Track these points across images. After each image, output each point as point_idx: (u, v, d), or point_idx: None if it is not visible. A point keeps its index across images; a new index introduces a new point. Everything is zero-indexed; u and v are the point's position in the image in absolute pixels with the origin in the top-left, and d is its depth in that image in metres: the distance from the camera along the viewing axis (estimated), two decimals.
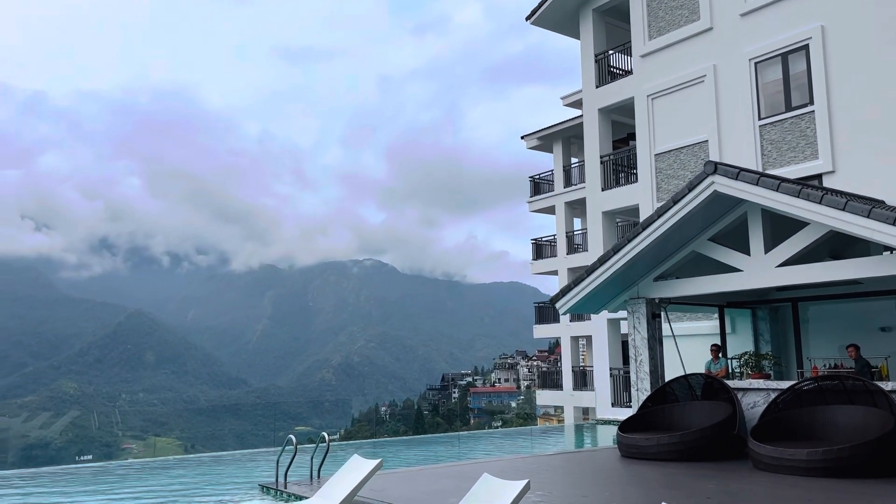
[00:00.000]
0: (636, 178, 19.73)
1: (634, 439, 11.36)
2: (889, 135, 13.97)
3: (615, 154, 21.55)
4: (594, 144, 21.47)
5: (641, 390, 12.83)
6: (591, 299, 13.36)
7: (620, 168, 21.51)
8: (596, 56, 21.58)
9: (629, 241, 12.30)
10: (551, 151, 33.77)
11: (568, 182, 32.64)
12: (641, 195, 18.96)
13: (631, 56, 20.03)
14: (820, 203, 9.87)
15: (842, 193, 10.99)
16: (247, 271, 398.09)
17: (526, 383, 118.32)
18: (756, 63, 16.40)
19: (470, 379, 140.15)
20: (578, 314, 25.53)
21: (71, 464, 14.27)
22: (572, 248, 32.45)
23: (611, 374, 21.70)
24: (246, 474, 12.42)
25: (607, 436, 17.08)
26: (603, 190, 21.27)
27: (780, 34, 15.93)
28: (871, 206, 9.40)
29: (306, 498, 8.23)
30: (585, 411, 29.22)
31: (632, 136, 21.48)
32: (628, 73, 20.73)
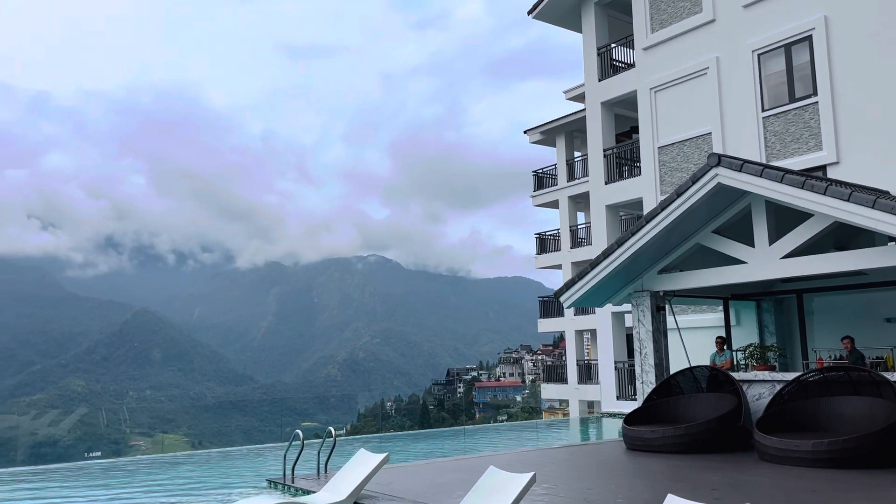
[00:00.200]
0: (639, 172, 19.71)
1: (640, 432, 11.38)
2: (894, 125, 13.91)
3: (618, 147, 21.52)
4: (597, 138, 21.44)
5: (646, 383, 12.85)
6: (596, 293, 13.37)
7: (624, 161, 21.49)
8: (598, 49, 21.54)
9: (633, 234, 12.29)
10: (554, 146, 33.69)
11: (571, 176, 32.57)
12: (645, 188, 18.94)
13: (633, 49, 19.98)
14: (824, 194, 9.85)
15: (846, 184, 10.98)
16: (252, 268, 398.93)
17: (531, 377, 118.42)
18: (759, 54, 16.34)
19: (475, 373, 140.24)
20: (583, 308, 25.55)
21: (80, 461, 14.38)
22: (576, 242, 32.40)
23: (616, 367, 21.73)
24: (253, 469, 12.51)
25: (612, 429, 17.10)
26: (606, 183, 21.25)
27: (783, 25, 15.87)
28: (875, 197, 9.39)
29: (314, 492, 8.29)
30: (590, 405, 29.24)
31: (635, 130, 21.46)
32: (631, 66, 20.68)
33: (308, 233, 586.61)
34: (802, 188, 10.10)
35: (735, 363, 13.72)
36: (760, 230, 11.44)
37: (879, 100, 14.20)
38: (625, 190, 20.57)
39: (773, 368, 12.72)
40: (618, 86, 20.68)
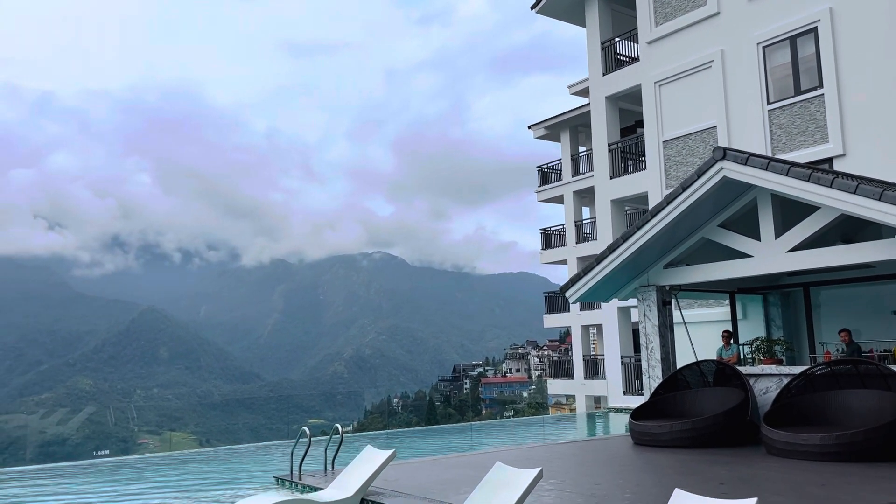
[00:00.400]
0: (644, 166, 19.64)
1: (647, 427, 11.37)
2: None
3: (623, 142, 21.45)
4: (602, 132, 21.37)
5: (653, 378, 12.82)
6: (601, 288, 13.35)
7: (629, 156, 21.41)
8: (602, 44, 21.45)
9: (638, 228, 12.26)
10: (559, 140, 33.62)
11: (576, 171, 32.51)
12: (650, 183, 18.88)
13: (637, 43, 19.89)
14: (830, 187, 9.79)
15: (853, 177, 10.91)
16: (257, 266, 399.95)
17: (537, 373, 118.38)
18: (764, 47, 16.25)
19: (481, 369, 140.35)
20: (589, 303, 25.51)
21: (89, 459, 14.48)
22: (581, 237, 32.36)
23: (622, 362, 21.69)
24: (261, 467, 12.56)
25: (619, 424, 17.10)
26: (611, 178, 21.18)
27: (787, 17, 15.77)
28: (882, 189, 9.33)
29: (321, 489, 8.31)
30: (597, 400, 29.22)
31: (639, 124, 21.38)
32: (635, 60, 20.59)
33: (313, 230, 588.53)
34: (808, 181, 10.05)
35: (742, 357, 13.68)
36: (766, 223, 11.39)
37: (886, 91, 14.11)
38: (630, 184, 20.50)
39: (780, 362, 12.68)
40: (622, 80, 20.60)
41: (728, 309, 15.45)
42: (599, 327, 29.53)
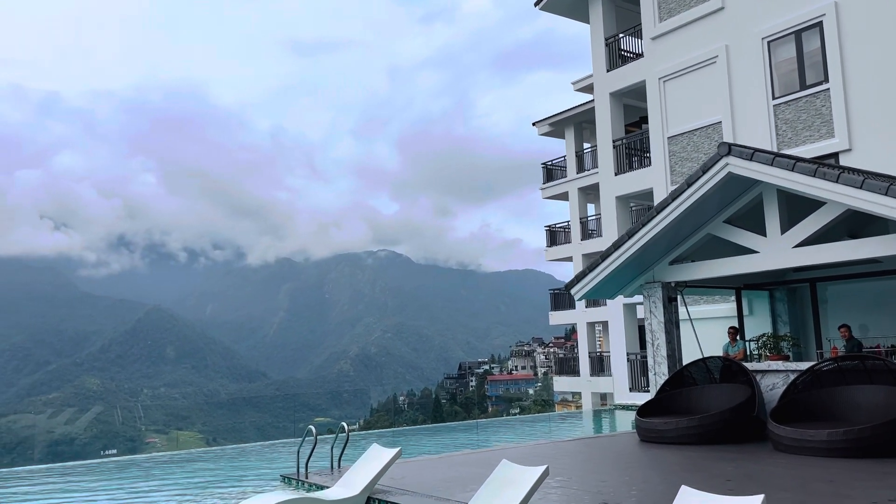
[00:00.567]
0: (649, 162, 19.59)
1: (653, 423, 11.35)
2: None
3: (628, 138, 21.39)
4: (606, 129, 21.33)
5: (659, 374, 12.80)
6: (607, 285, 13.33)
7: (633, 152, 21.36)
8: (606, 40, 21.40)
9: (643, 225, 12.23)
10: (563, 137, 33.55)
11: (581, 168, 32.43)
12: (655, 179, 18.83)
13: (641, 39, 19.83)
14: (836, 182, 9.75)
15: (859, 171, 10.86)
16: (263, 265, 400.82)
17: (543, 370, 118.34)
18: (769, 42, 16.18)
19: (487, 367, 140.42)
20: (594, 300, 25.49)
21: (97, 458, 14.57)
22: (586, 233, 32.29)
23: (628, 359, 21.67)
24: (267, 465, 12.60)
25: (626, 421, 17.08)
26: (616, 175, 21.14)
27: (792, 12, 15.70)
28: (888, 184, 9.28)
29: (327, 487, 8.33)
30: (603, 397, 29.20)
31: (644, 120, 21.32)
32: (639, 56, 20.53)
33: (318, 229, 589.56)
34: (814, 176, 10.00)
35: (748, 353, 13.65)
36: (772, 219, 11.34)
37: (892, 85, 14.03)
38: (635, 181, 20.45)
39: (786, 358, 12.64)
40: (626, 76, 20.54)
41: (734, 305, 15.41)
42: (605, 324, 29.49)
